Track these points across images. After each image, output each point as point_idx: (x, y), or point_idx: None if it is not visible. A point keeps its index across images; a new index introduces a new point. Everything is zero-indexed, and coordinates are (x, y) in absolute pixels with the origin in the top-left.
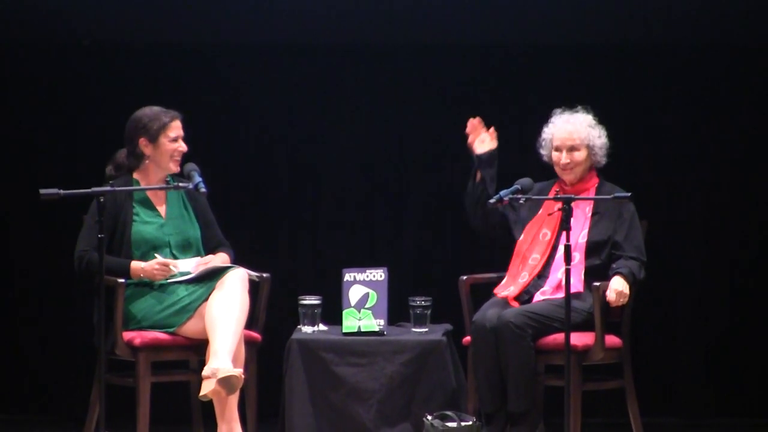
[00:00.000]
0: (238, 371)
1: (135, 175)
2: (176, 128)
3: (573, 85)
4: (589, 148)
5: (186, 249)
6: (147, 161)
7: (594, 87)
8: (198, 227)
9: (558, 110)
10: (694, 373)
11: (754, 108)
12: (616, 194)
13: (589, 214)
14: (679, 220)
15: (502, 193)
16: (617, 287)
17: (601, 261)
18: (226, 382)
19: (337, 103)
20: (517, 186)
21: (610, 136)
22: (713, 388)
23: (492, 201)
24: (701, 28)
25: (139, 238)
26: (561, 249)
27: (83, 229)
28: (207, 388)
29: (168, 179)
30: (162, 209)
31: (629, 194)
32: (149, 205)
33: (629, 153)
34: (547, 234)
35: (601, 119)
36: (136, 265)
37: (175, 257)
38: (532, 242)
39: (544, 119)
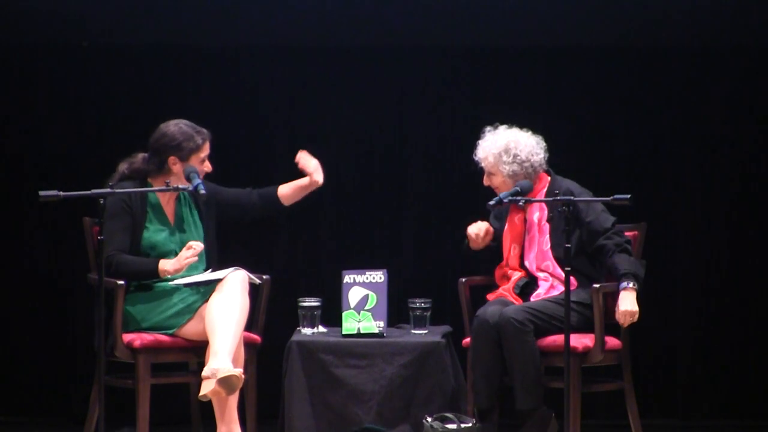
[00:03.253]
0: (238, 371)
1: (150, 180)
2: (206, 150)
3: (571, 86)
4: (501, 173)
5: None
6: (171, 175)
7: (592, 88)
8: (202, 233)
9: (488, 128)
10: (694, 375)
11: (753, 108)
12: (616, 196)
13: (544, 221)
14: (679, 220)
15: (501, 194)
16: (627, 307)
17: (576, 262)
18: (225, 382)
19: (336, 104)
20: (516, 188)
21: (608, 137)
22: (713, 389)
23: (492, 203)
24: (698, 29)
25: (148, 243)
26: (526, 263)
27: (105, 233)
28: (207, 388)
29: (167, 182)
30: (170, 215)
31: (629, 196)
32: (160, 211)
33: (628, 153)
34: (516, 248)
35: (599, 120)
36: (164, 263)
37: None
38: (509, 256)
39: (544, 120)
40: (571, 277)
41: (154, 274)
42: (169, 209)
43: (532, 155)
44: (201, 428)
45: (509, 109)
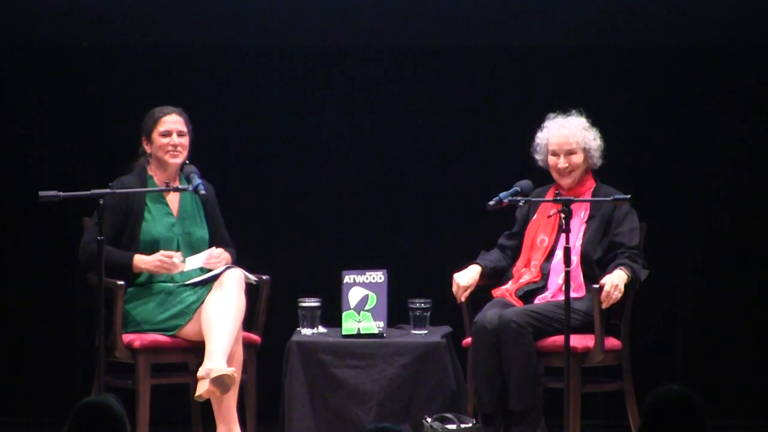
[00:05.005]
0: (231, 370)
1: (149, 171)
2: (168, 122)
3: (571, 86)
4: (586, 151)
5: (194, 249)
6: (151, 158)
7: (592, 88)
8: (207, 228)
9: (551, 114)
10: (694, 374)
11: (753, 108)
12: (615, 196)
13: (585, 219)
14: (679, 220)
15: (501, 195)
16: (614, 280)
17: (598, 265)
18: (219, 382)
19: (336, 104)
20: (516, 188)
21: (608, 137)
22: (713, 389)
23: (491, 203)
24: (700, 29)
25: (149, 236)
26: (558, 254)
27: (91, 225)
28: (201, 388)
29: (166, 182)
30: (175, 207)
31: (628, 196)
32: (163, 203)
33: (628, 154)
34: (544, 240)
35: (600, 120)
36: (139, 259)
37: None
38: (532, 248)
39: (543, 121)
40: (584, 285)
41: (128, 268)
42: (172, 200)
43: (600, 144)
44: (201, 428)
45: (509, 109)
